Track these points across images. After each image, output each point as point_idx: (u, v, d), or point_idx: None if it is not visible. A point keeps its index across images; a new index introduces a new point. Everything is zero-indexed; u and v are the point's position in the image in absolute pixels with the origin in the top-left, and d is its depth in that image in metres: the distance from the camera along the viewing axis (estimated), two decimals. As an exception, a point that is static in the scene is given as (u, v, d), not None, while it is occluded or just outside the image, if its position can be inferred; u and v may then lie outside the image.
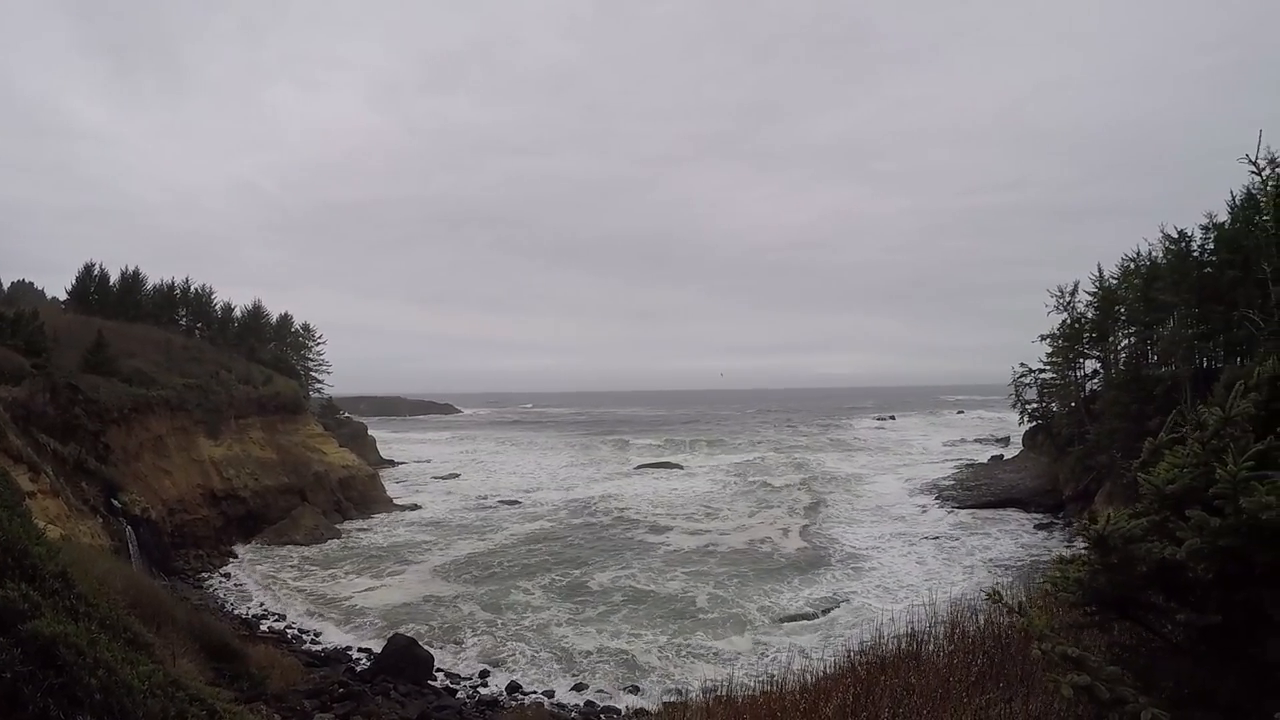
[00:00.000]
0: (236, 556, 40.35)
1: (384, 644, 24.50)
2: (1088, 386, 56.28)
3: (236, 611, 30.15)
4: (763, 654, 23.76)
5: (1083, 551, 3.00)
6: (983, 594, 3.51)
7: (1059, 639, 2.78)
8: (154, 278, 69.56)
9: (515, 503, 54.82)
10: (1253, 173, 3.40)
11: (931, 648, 6.20)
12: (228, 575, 36.52)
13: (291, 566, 37.75)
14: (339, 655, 25.13)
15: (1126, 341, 53.79)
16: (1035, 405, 60.65)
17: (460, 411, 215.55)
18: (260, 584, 34.90)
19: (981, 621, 6.04)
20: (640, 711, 20.28)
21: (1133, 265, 52.31)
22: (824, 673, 6.81)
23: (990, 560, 35.06)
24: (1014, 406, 62.33)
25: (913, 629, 6.74)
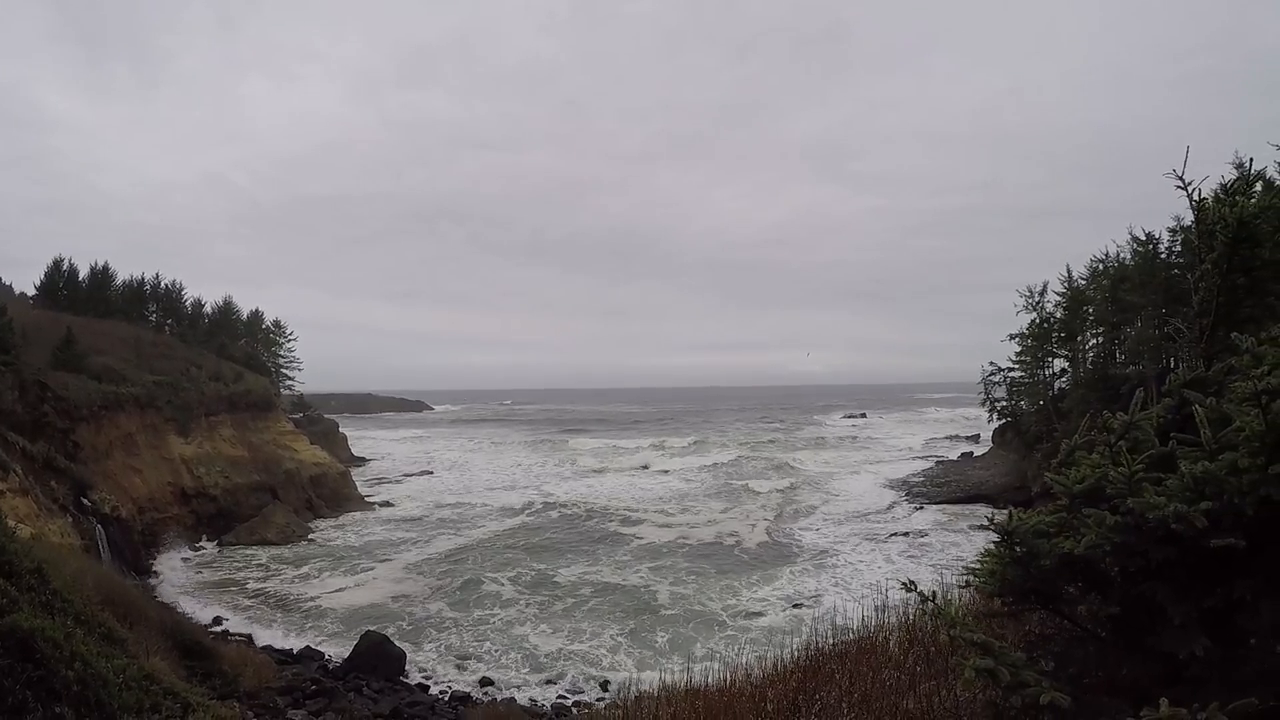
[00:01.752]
0: (208, 554, 40.14)
1: (356, 641, 24.56)
2: (1056, 385, 57.20)
3: (207, 610, 30.02)
4: (725, 647, 24.11)
5: (994, 541, 3.28)
6: (926, 591, 3.78)
7: (968, 625, 3.04)
8: (124, 273, 68.95)
9: (488, 500, 54.70)
10: (1178, 187, 3.66)
11: (882, 639, 6.49)
12: (199, 574, 36.32)
13: (262, 565, 37.61)
14: (311, 653, 25.14)
15: (1094, 341, 54.82)
16: (1004, 403, 61.41)
17: (433, 409, 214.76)
18: (231, 582, 34.76)
19: (927, 615, 6.32)
20: (611, 705, 20.51)
21: (1101, 266, 53.28)
22: (777, 666, 7.08)
23: (961, 557, 35.54)
24: (984, 404, 63.12)
25: (868, 624, 7.03)
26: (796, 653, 7.25)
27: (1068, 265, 56.73)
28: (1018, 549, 3.14)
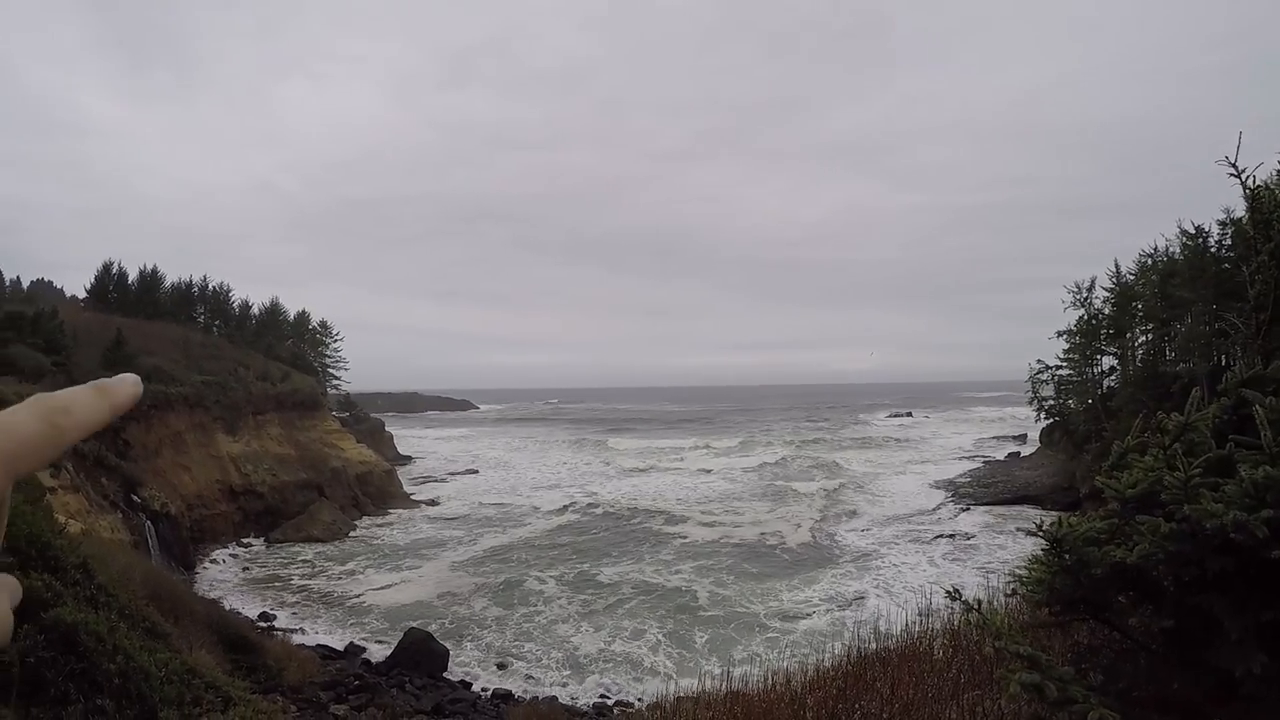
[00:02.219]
0: (255, 551, 40.81)
1: (399, 638, 24.78)
2: (1104, 383, 55.98)
3: (254, 605, 30.50)
4: (765, 649, 23.94)
5: (1043, 549, 3.12)
6: (972, 598, 3.63)
7: (1014, 637, 2.90)
8: (172, 276, 70.45)
9: (532, 499, 54.96)
10: (1231, 175, 3.47)
11: (925, 645, 6.33)
12: (246, 569, 36.92)
13: (307, 562, 38.12)
14: (355, 649, 25.40)
15: (1143, 338, 53.49)
16: (1052, 402, 60.25)
17: (477, 408, 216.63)
18: (278, 578, 35.28)
19: (974, 620, 6.14)
20: (652, 707, 20.46)
21: (1150, 261, 52.01)
22: (818, 671, 6.94)
23: (1007, 560, 34.90)
24: (1031, 403, 62.03)
25: (913, 629, 6.87)
26: (838, 658, 7.11)
27: (1115, 260, 55.62)
28: (1067, 557, 2.98)
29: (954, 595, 3.46)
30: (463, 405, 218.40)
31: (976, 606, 3.09)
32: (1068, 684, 2.71)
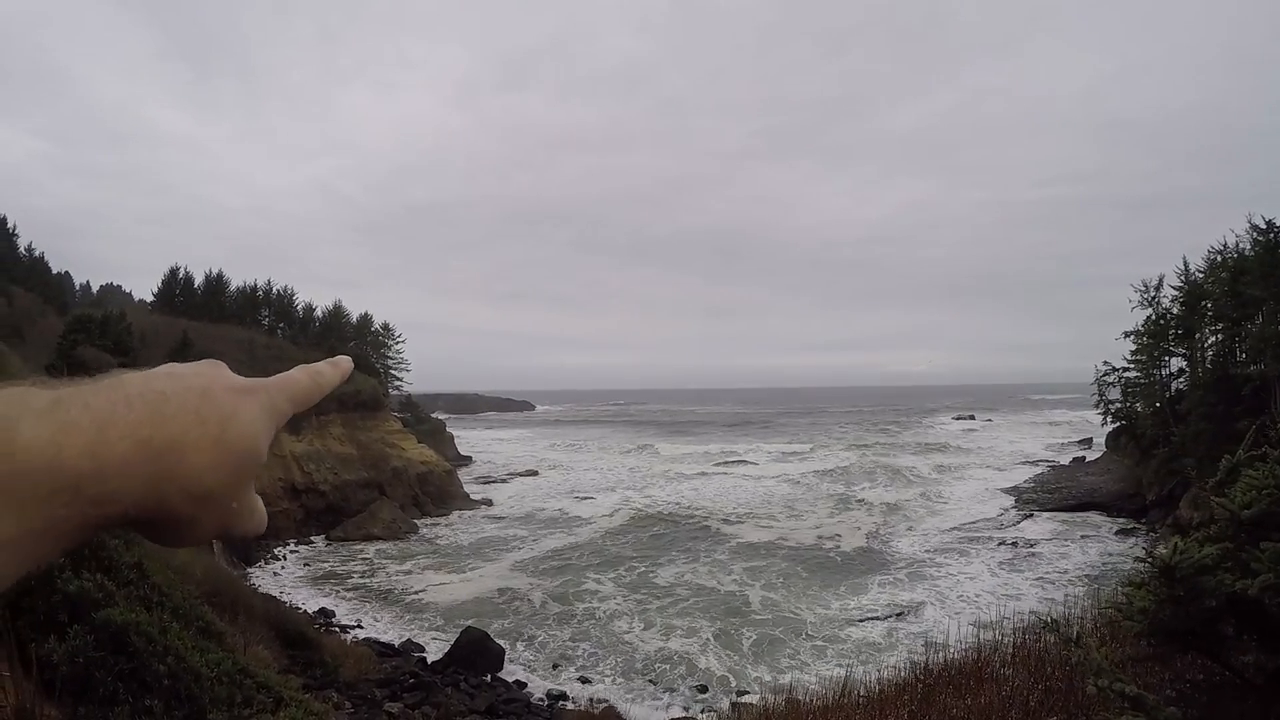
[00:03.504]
0: (316, 548, 41.45)
1: (456, 637, 24.85)
2: (1173, 386, 53.77)
3: (313, 601, 30.91)
4: (825, 659, 23.52)
5: (1150, 576, 2.78)
6: (1047, 615, 3.31)
7: (1118, 674, 2.58)
8: (236, 280, 72.13)
9: (591, 500, 54.98)
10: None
11: (996, 666, 5.96)
12: (307, 566, 37.48)
13: (367, 559, 38.56)
14: (411, 647, 25.56)
15: (1213, 338, 51.34)
16: (1119, 405, 58.29)
17: (536, 409, 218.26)
18: (337, 575, 35.74)
19: (1050, 640, 5.77)
20: (707, 713, 20.22)
21: (1219, 258, 49.95)
22: (883, 684, 6.61)
23: (1069, 570, 33.82)
24: (1097, 406, 60.00)
25: (978, 643, 6.50)
26: (902, 675, 6.77)
27: (1184, 257, 53.44)
28: (1178, 589, 2.64)
29: (1052, 627, 3.13)
30: (523, 406, 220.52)
31: (1076, 640, 2.77)
32: (1177, 729, 2.39)
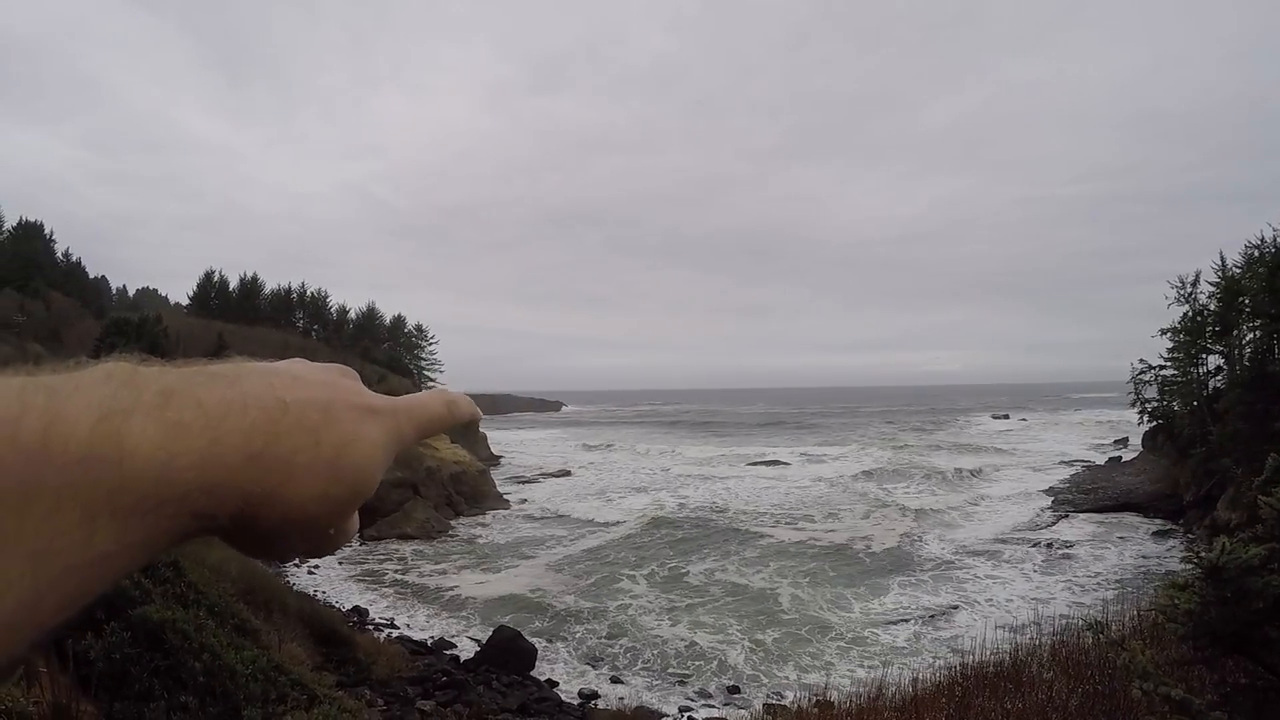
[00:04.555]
0: (350, 547, 41.84)
1: (489, 635, 24.97)
2: (1210, 384, 52.73)
3: (346, 599, 31.23)
4: (856, 660, 23.37)
5: (1195, 577, 2.70)
6: (1086, 617, 3.23)
7: (1162, 678, 2.50)
8: (270, 283, 73.13)
9: (624, 500, 55.00)
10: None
11: (1034, 670, 5.85)
12: (340, 564, 37.83)
13: (401, 558, 38.86)
14: (444, 645, 25.71)
15: (1251, 335, 50.31)
16: (1155, 404, 57.33)
17: (571, 409, 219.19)
18: (371, 574, 36.05)
19: (1088, 643, 5.64)
20: (741, 712, 20.16)
21: (1257, 253, 48.91)
22: (918, 687, 6.52)
23: (1102, 572, 33.30)
24: (1133, 405, 59.07)
25: (1015, 647, 6.39)
26: (938, 676, 6.67)
27: (1221, 252, 52.43)
28: (1224, 591, 2.56)
29: (1099, 629, 3.04)
30: (555, 406, 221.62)
31: (1121, 643, 2.69)
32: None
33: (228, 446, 0.54)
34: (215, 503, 0.53)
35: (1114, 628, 3.82)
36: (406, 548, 40.85)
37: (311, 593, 29.02)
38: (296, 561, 36.56)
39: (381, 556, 39.26)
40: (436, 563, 37.81)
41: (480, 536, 44.04)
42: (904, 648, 24.77)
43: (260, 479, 0.55)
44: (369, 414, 0.65)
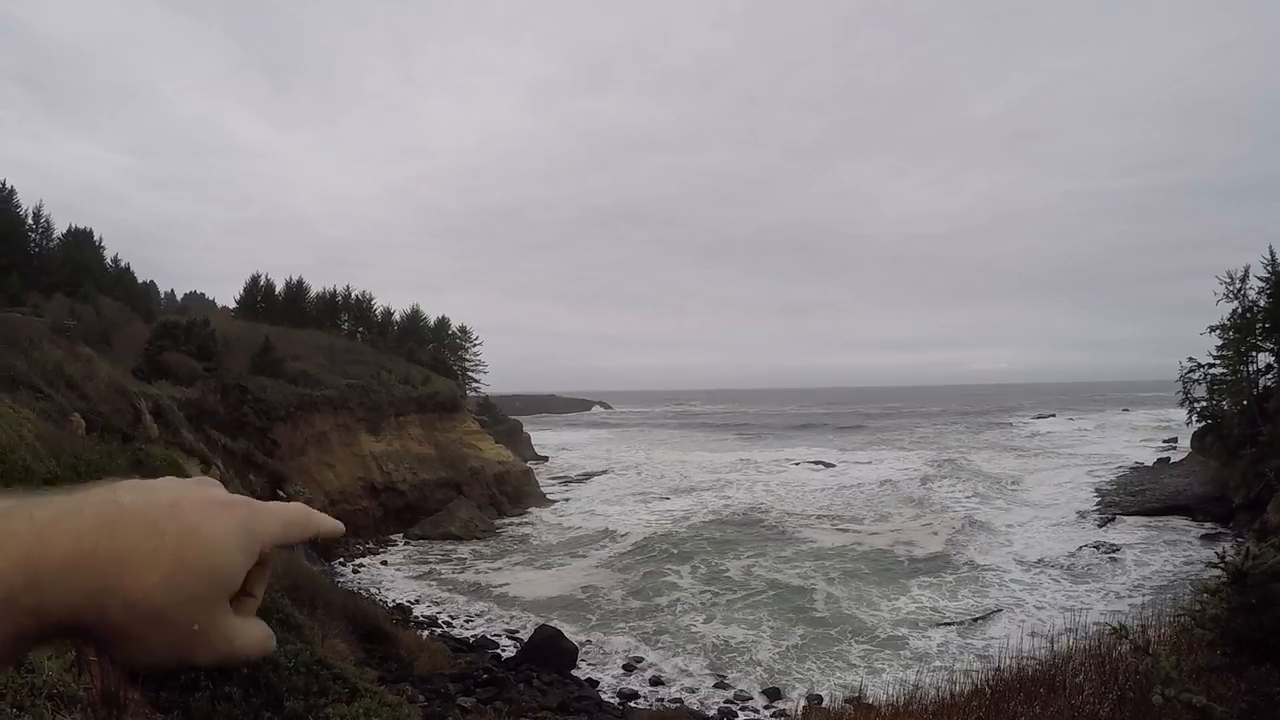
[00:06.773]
0: (395, 546, 42.40)
1: (530, 633, 25.15)
2: (1261, 383, 50.97)
3: (390, 597, 31.62)
4: (895, 663, 23.14)
5: (1222, 583, 2.65)
6: (1120, 622, 3.19)
7: (1186, 684, 2.46)
8: (316, 286, 74.23)
9: (666, 500, 54.98)
10: None
11: (1069, 674, 5.77)
12: (385, 563, 38.33)
13: (445, 557, 39.27)
14: (485, 643, 25.95)
15: (1301, 332, 48.66)
16: (1205, 403, 55.62)
17: (613, 409, 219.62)
18: (415, 572, 36.48)
19: (1124, 649, 5.55)
20: (778, 713, 20.09)
21: (1308, 247, 47.34)
22: (954, 690, 6.46)
23: (1147, 577, 32.52)
24: (1182, 405, 57.39)
25: (1051, 650, 6.30)
26: (976, 678, 6.61)
27: (1270, 247, 50.49)
28: (1250, 597, 2.51)
29: (1123, 633, 3.01)
30: (598, 406, 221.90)
31: (1146, 647, 2.66)
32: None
33: (55, 546, 0.56)
34: (48, 599, 0.56)
35: (1148, 632, 3.76)
36: (450, 546, 41.33)
37: (355, 590, 29.42)
38: (341, 560, 37.12)
39: (425, 555, 39.79)
40: (479, 561, 38.24)
41: (523, 536, 44.39)
42: (948, 649, 24.49)
43: (97, 571, 0.57)
44: (219, 506, 0.66)
